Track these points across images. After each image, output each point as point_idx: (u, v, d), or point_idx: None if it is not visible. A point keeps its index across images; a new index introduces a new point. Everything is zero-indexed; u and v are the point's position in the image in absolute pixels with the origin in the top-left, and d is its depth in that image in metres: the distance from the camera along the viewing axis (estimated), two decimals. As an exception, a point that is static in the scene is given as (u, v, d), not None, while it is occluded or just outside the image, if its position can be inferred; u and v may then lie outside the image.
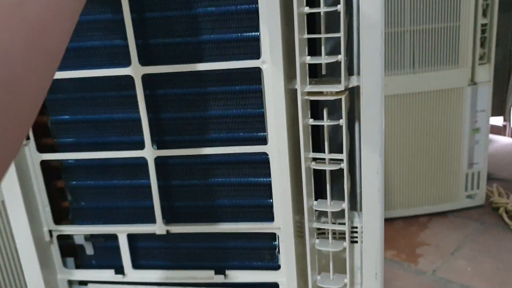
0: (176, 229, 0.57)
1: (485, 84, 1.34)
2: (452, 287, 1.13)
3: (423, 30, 1.27)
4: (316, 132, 0.52)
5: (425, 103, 1.33)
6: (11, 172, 0.54)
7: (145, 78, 0.52)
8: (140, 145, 0.54)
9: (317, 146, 0.52)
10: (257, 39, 0.49)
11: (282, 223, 0.53)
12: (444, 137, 1.37)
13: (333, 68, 0.50)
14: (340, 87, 0.46)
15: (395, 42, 1.29)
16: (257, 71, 0.50)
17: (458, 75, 1.31)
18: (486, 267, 1.18)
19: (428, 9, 1.25)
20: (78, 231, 0.59)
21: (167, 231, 0.57)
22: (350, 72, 0.49)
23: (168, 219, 0.57)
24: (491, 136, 1.92)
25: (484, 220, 1.40)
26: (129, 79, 0.52)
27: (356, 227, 0.55)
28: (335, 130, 0.51)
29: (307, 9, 0.45)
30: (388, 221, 1.42)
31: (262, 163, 0.54)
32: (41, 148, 0.56)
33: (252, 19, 0.48)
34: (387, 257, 1.27)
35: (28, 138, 0.55)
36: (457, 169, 1.39)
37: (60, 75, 0.53)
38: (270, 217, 0.55)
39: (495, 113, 1.74)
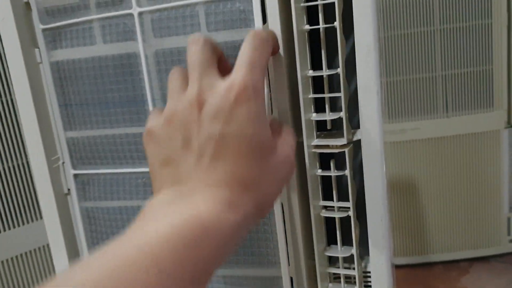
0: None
1: (523, 126, 1.33)
2: (492, 336, 1.10)
3: (455, 74, 1.29)
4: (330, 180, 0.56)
5: (461, 146, 1.33)
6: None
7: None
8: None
9: (331, 194, 0.56)
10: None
11: (295, 267, 0.56)
12: (482, 180, 1.35)
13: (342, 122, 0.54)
14: (343, 141, 0.50)
15: (427, 87, 1.31)
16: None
17: (494, 117, 1.31)
18: (529, 316, 1.14)
19: (459, 54, 1.27)
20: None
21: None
22: (357, 125, 0.53)
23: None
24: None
25: (529, 266, 1.36)
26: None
27: (369, 272, 0.57)
28: (346, 179, 0.55)
29: (311, 72, 0.50)
30: (427, 265, 1.40)
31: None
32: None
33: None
34: (425, 303, 1.25)
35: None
36: (498, 212, 1.36)
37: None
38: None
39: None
